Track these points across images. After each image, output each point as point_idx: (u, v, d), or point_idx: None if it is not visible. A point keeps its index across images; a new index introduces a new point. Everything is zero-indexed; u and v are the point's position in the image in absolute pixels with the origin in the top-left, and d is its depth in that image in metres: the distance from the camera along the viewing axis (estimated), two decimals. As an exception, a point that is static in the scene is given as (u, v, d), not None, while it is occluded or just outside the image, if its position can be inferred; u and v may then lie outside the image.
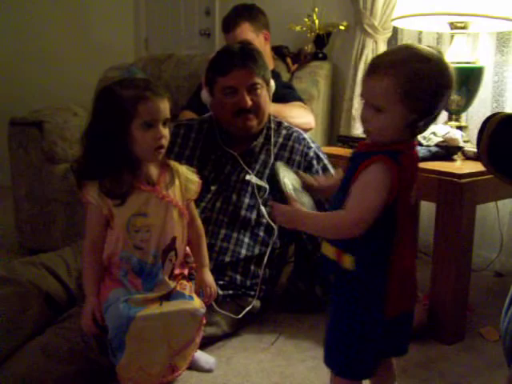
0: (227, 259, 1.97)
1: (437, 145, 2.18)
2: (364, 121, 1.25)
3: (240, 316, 1.95)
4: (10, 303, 1.67)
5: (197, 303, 1.60)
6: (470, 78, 2.39)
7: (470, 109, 2.59)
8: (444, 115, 2.60)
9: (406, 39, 2.96)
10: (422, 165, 2.07)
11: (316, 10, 3.22)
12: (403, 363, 1.84)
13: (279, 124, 2.21)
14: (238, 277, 1.99)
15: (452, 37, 2.48)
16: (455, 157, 2.20)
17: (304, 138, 2.18)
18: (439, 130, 2.23)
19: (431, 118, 1.23)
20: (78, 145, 2.68)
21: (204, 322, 1.64)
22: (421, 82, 1.18)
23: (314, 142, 2.23)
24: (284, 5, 3.49)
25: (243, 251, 2.00)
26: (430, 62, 1.19)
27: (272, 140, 2.14)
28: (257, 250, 2.02)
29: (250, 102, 1.99)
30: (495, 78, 2.65)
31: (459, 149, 2.20)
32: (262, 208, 2.03)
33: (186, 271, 1.69)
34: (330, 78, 3.12)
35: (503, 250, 2.63)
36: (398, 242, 1.25)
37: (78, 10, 4.69)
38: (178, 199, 1.59)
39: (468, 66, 2.39)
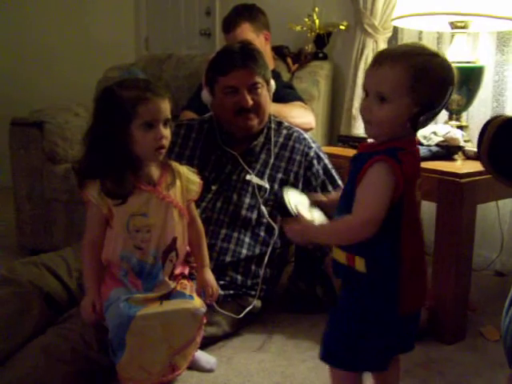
0: (228, 259, 1.97)
1: (437, 144, 2.18)
2: (366, 111, 1.25)
3: (241, 316, 1.95)
4: (11, 304, 1.67)
5: (197, 302, 1.60)
6: (471, 77, 2.39)
7: (471, 108, 2.59)
8: (444, 115, 2.60)
9: (406, 39, 2.96)
10: (423, 164, 2.05)
11: (316, 9, 3.22)
12: (404, 363, 1.83)
13: (280, 124, 2.21)
14: (239, 277, 1.99)
15: (452, 36, 2.48)
16: (456, 156, 2.20)
17: (304, 138, 2.18)
18: (440, 129, 2.23)
19: (433, 114, 1.23)
20: (79, 145, 2.70)
21: (204, 321, 1.64)
22: (429, 74, 1.19)
23: (315, 141, 2.23)
24: (284, 5, 3.49)
25: (244, 251, 2.00)
26: (438, 57, 1.22)
27: (272, 140, 2.14)
28: (257, 250, 2.02)
29: (250, 102, 2.00)
30: (496, 78, 2.65)
31: (460, 148, 2.20)
32: (263, 208, 2.03)
33: (186, 270, 1.69)
34: (331, 78, 3.12)
35: (504, 250, 2.63)
36: (406, 240, 1.25)
37: (79, 9, 4.69)
38: (178, 200, 1.59)
39: (468, 66, 2.39)
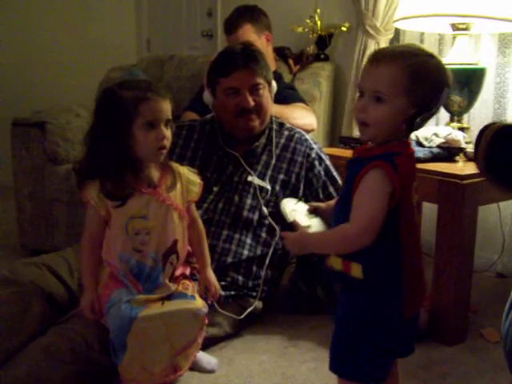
0: (229, 260, 1.97)
1: (439, 146, 2.18)
2: (361, 111, 1.22)
3: (242, 317, 1.95)
4: (12, 304, 1.67)
5: (199, 303, 1.60)
6: (472, 79, 2.39)
7: (472, 110, 2.59)
8: (446, 116, 2.60)
9: (407, 40, 2.96)
10: (424, 166, 2.08)
11: (318, 11, 3.23)
12: (405, 365, 1.84)
13: (281, 125, 2.21)
14: (240, 278, 1.99)
15: (454, 38, 2.49)
16: (457, 158, 2.20)
17: (306, 139, 2.18)
18: (441, 131, 2.23)
19: (428, 115, 1.23)
20: (81, 146, 2.70)
21: (206, 321, 1.64)
22: (426, 74, 1.19)
23: (316, 142, 2.23)
24: (286, 6, 3.49)
25: (245, 252, 2.00)
26: (434, 58, 1.22)
27: (274, 141, 2.14)
28: (259, 251, 2.02)
29: (252, 102, 2.00)
30: (497, 80, 2.65)
31: (461, 150, 2.21)
32: (264, 209, 2.03)
33: (187, 271, 1.69)
34: (332, 79, 3.12)
35: (505, 251, 2.63)
36: (405, 244, 1.24)
37: (80, 10, 4.70)
38: (178, 201, 1.58)
39: (470, 68, 2.39)
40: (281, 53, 3.16)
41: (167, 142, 1.52)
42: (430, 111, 1.22)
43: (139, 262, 1.53)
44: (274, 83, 2.12)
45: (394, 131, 1.22)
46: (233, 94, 2.01)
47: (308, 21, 3.24)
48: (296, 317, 2.15)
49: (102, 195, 1.49)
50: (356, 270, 1.23)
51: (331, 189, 2.12)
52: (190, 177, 1.64)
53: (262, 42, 2.71)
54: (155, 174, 1.56)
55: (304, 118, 2.49)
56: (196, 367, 1.74)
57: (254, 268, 2.02)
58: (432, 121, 2.85)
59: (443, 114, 2.73)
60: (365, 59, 2.94)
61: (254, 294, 2.01)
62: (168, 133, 1.51)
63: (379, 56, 1.21)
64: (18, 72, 4.46)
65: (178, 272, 1.63)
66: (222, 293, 1.90)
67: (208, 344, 1.83)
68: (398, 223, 1.22)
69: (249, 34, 2.70)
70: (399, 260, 1.24)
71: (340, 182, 2.14)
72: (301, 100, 2.64)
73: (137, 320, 1.47)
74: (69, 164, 2.78)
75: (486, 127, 1.31)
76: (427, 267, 2.00)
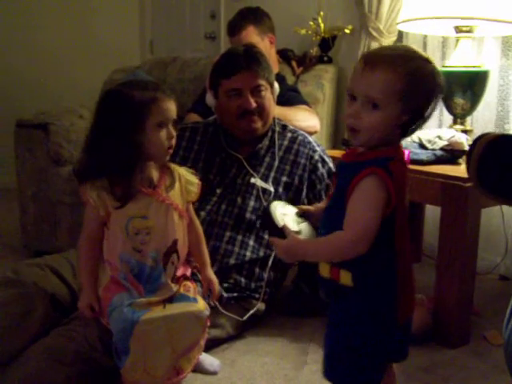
0: (232, 262, 1.97)
1: (442, 148, 2.18)
2: (352, 117, 1.19)
3: (245, 318, 1.95)
4: (16, 305, 1.67)
5: (201, 305, 1.60)
6: (475, 81, 2.39)
7: (475, 113, 2.58)
8: (449, 119, 2.60)
9: (411, 43, 2.96)
10: (427, 168, 2.08)
11: (321, 13, 3.23)
12: (407, 367, 1.84)
13: (284, 127, 2.21)
14: (243, 279, 1.99)
15: (457, 41, 2.48)
16: (460, 160, 2.20)
17: (309, 142, 2.18)
18: (444, 133, 2.23)
19: (421, 122, 1.21)
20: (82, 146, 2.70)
21: (208, 324, 1.64)
22: (422, 81, 1.17)
23: (319, 145, 2.23)
24: (289, 8, 3.50)
25: (248, 254, 2.00)
26: (429, 63, 1.19)
27: (277, 143, 2.15)
28: (261, 253, 2.02)
29: (254, 104, 2.00)
30: (500, 82, 2.65)
31: (464, 152, 2.20)
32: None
33: (188, 272, 1.69)
34: (335, 82, 3.12)
35: (508, 254, 2.63)
36: (398, 251, 1.23)
37: (84, 13, 4.72)
38: (178, 201, 1.58)
39: (473, 70, 2.39)
40: (284, 55, 3.17)
41: (174, 142, 1.54)
42: (424, 117, 1.20)
43: (139, 262, 1.52)
44: (276, 85, 2.12)
45: (386, 137, 1.20)
46: (235, 96, 2.01)
47: (311, 23, 3.25)
48: (299, 318, 2.15)
49: (102, 195, 1.48)
50: (345, 278, 1.22)
51: (334, 191, 2.11)
52: (188, 177, 1.64)
53: (265, 44, 2.72)
54: (155, 174, 1.56)
55: (307, 120, 2.49)
56: (198, 369, 1.74)
57: (257, 270, 2.02)
58: (435, 123, 2.88)
59: (446, 117, 2.73)
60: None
61: (257, 295, 2.02)
62: (174, 133, 1.54)
63: (374, 60, 1.17)
64: (21, 74, 4.46)
65: (179, 272, 1.63)
66: (225, 294, 1.91)
67: (210, 346, 1.83)
68: (392, 230, 1.21)
69: (252, 36, 2.70)
70: (392, 267, 1.23)
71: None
72: (304, 102, 2.64)
73: (139, 323, 1.47)
74: (72, 165, 2.78)
75: (481, 137, 1.31)
76: (430, 269, 2.00)
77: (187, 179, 1.63)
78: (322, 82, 3.01)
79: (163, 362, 1.52)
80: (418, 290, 2.18)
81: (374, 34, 2.94)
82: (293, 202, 2.05)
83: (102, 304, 1.56)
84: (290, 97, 2.57)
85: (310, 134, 2.33)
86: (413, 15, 2.42)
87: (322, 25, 3.22)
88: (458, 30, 2.45)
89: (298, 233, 1.33)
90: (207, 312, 1.60)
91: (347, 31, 3.18)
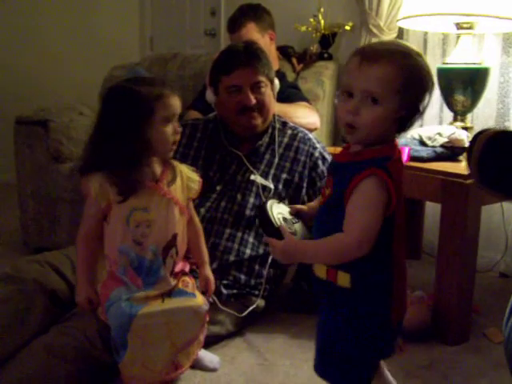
0: (232, 258, 1.97)
1: (442, 145, 2.18)
2: (350, 114, 1.17)
3: (243, 314, 1.95)
4: (15, 302, 1.67)
5: (199, 300, 1.61)
6: (476, 78, 2.39)
7: (476, 110, 2.58)
8: (449, 116, 2.59)
9: (411, 40, 2.96)
10: (428, 165, 2.08)
11: (321, 10, 3.22)
12: (407, 364, 1.84)
13: (284, 124, 2.21)
14: (243, 276, 1.99)
15: (458, 37, 2.48)
16: (460, 157, 2.20)
17: (309, 139, 2.18)
18: (444, 130, 2.23)
19: (418, 116, 1.21)
20: (84, 143, 2.70)
21: (207, 319, 1.64)
22: (417, 74, 1.17)
23: (320, 142, 2.23)
24: (289, 5, 3.49)
25: (248, 251, 2.00)
26: (422, 58, 1.20)
27: (277, 140, 2.14)
28: (261, 250, 2.02)
29: (253, 100, 2.00)
30: (501, 79, 2.64)
31: (464, 149, 2.20)
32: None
33: (187, 268, 1.69)
34: (336, 79, 3.11)
35: (508, 251, 2.63)
36: (396, 251, 1.22)
37: (84, 9, 4.70)
38: (179, 197, 1.60)
39: (474, 67, 2.39)
40: (284, 52, 3.16)
41: (179, 137, 1.57)
42: (418, 112, 1.20)
43: (139, 256, 1.53)
44: (276, 81, 2.12)
45: (384, 133, 1.20)
46: (235, 92, 2.01)
47: (312, 20, 3.24)
48: (298, 315, 2.15)
49: (104, 186, 1.49)
50: (343, 280, 1.21)
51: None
52: (189, 174, 1.66)
53: (265, 41, 2.71)
54: (157, 168, 1.58)
55: (307, 117, 2.49)
56: (198, 365, 1.74)
57: (257, 267, 2.02)
58: (435, 120, 2.88)
59: (447, 114, 2.73)
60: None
61: (257, 292, 2.01)
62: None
63: (371, 55, 1.16)
64: (20, 70, 4.46)
65: (178, 268, 1.63)
66: (224, 291, 1.91)
67: (210, 342, 1.83)
68: (391, 231, 1.20)
69: (252, 32, 2.70)
70: (389, 268, 1.22)
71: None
72: (304, 99, 2.64)
73: (136, 318, 1.47)
74: (72, 162, 2.79)
75: (480, 133, 1.30)
76: (430, 266, 2.00)
77: (188, 176, 1.65)
78: (322, 79, 3.01)
79: (162, 357, 1.52)
80: (418, 288, 2.20)
81: (375, 30, 2.93)
82: (293, 199, 2.07)
83: (100, 300, 1.57)
84: (290, 94, 2.56)
85: (310, 130, 2.33)
86: (413, 12, 2.41)
87: (322, 21, 3.22)
88: (458, 26, 2.45)
89: (293, 233, 1.32)
90: (206, 307, 1.61)
91: (347, 28, 3.18)
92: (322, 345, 1.30)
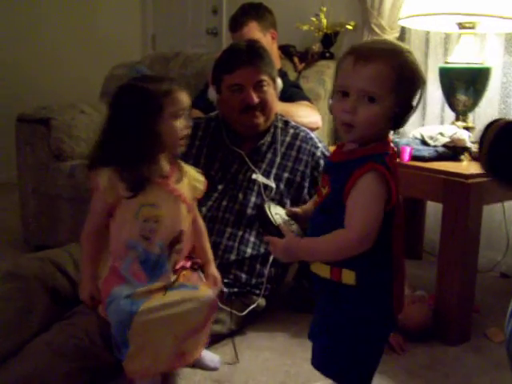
0: (233, 257, 1.97)
1: (444, 145, 2.18)
2: (349, 113, 1.18)
3: (244, 313, 1.95)
4: (17, 300, 1.67)
5: (203, 290, 1.60)
6: (478, 78, 2.39)
7: (478, 109, 2.58)
8: (451, 115, 2.59)
9: (413, 39, 2.96)
10: (429, 165, 2.08)
11: (323, 9, 3.22)
12: (409, 364, 1.85)
13: (286, 123, 2.21)
14: (243, 275, 1.99)
15: (460, 37, 2.48)
16: (462, 157, 2.20)
17: (311, 138, 2.18)
18: (446, 130, 2.23)
19: (410, 114, 1.22)
20: (85, 142, 2.71)
21: (215, 309, 1.63)
22: (410, 71, 1.19)
23: (321, 141, 2.23)
24: (291, 4, 3.49)
25: (249, 250, 2.00)
26: (412, 55, 1.22)
27: (279, 139, 2.14)
28: (262, 249, 2.02)
29: (256, 99, 2.00)
30: (503, 79, 2.64)
31: (466, 149, 2.20)
32: (272, 205, 2.02)
33: (188, 264, 1.69)
34: (337, 78, 3.11)
35: (509, 251, 2.63)
36: (395, 246, 1.23)
37: (85, 7, 4.71)
38: (186, 195, 1.62)
39: (475, 67, 2.39)
40: (286, 51, 3.16)
41: (188, 132, 1.61)
42: (412, 109, 1.22)
43: (146, 251, 1.54)
44: (279, 81, 2.12)
45: (379, 131, 1.21)
46: (237, 91, 2.01)
47: (313, 19, 3.24)
48: (299, 314, 2.14)
49: (113, 181, 1.50)
50: (348, 277, 1.22)
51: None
52: (195, 175, 1.68)
53: (267, 40, 2.71)
54: (166, 166, 1.59)
55: (309, 116, 2.48)
56: (199, 365, 1.74)
57: (258, 266, 2.02)
58: (437, 120, 2.87)
59: (448, 114, 2.73)
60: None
61: (258, 291, 2.01)
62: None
63: (365, 54, 1.18)
64: (22, 68, 4.46)
65: (179, 265, 1.64)
66: (225, 290, 1.91)
67: (211, 341, 1.83)
68: (390, 226, 1.21)
69: (254, 31, 2.69)
70: (390, 263, 1.23)
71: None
72: (306, 98, 2.63)
73: (137, 315, 1.47)
74: (73, 160, 2.79)
75: (492, 123, 1.31)
76: (431, 266, 2.00)
77: (194, 176, 1.67)
78: (323, 78, 3.00)
79: (165, 349, 1.52)
80: (419, 287, 2.20)
81: (377, 30, 2.93)
82: (294, 198, 2.07)
83: (101, 296, 1.57)
84: (291, 93, 2.56)
85: (312, 130, 2.33)
86: (415, 11, 2.41)
87: (324, 21, 3.21)
88: (460, 26, 2.45)
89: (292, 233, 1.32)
90: (210, 295, 1.59)
91: (349, 27, 3.18)
92: (326, 342, 1.30)
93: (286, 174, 2.10)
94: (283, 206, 2.00)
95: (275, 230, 1.29)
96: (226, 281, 1.92)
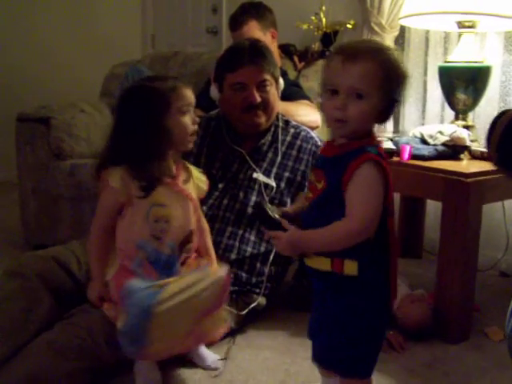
0: (233, 256, 1.97)
1: (443, 144, 2.18)
2: (340, 109, 1.21)
3: (244, 312, 1.95)
4: (19, 299, 1.67)
5: (213, 270, 1.63)
6: (477, 77, 2.39)
7: (477, 108, 2.58)
8: (451, 114, 2.59)
9: (413, 38, 2.96)
10: (429, 164, 2.08)
11: (323, 8, 3.22)
12: (408, 362, 1.85)
13: (287, 122, 2.21)
14: (244, 274, 1.99)
15: (459, 36, 2.48)
16: (462, 156, 2.20)
17: (312, 137, 2.18)
18: (446, 129, 2.22)
19: (395, 108, 1.25)
20: (85, 141, 2.71)
21: (227, 287, 1.64)
22: (395, 67, 1.22)
23: (322, 140, 2.22)
24: (291, 3, 3.49)
25: (249, 249, 2.00)
26: (395, 53, 1.25)
27: (280, 138, 2.14)
28: (262, 248, 2.02)
29: (258, 98, 2.00)
30: (503, 78, 2.64)
31: (466, 148, 2.20)
32: (269, 206, 2.03)
33: (193, 256, 1.70)
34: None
35: (509, 250, 2.63)
36: (391, 233, 1.25)
37: (85, 6, 4.70)
38: (193, 195, 1.65)
39: (475, 66, 2.39)
40: (286, 50, 3.16)
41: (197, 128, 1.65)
42: (398, 103, 1.25)
43: (157, 251, 1.56)
44: (281, 80, 2.12)
45: (370, 125, 1.25)
46: (240, 90, 2.01)
47: (313, 18, 3.24)
48: (299, 313, 2.14)
49: (126, 181, 1.52)
50: (350, 268, 1.23)
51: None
52: (198, 175, 1.71)
53: (267, 39, 2.70)
54: (173, 166, 1.61)
55: (309, 115, 2.48)
56: (199, 364, 1.76)
57: (258, 265, 2.02)
58: (437, 119, 2.87)
59: (448, 112, 2.73)
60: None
61: (258, 290, 2.02)
62: None
63: (352, 53, 1.21)
64: (22, 68, 4.46)
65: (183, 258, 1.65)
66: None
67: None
68: (385, 215, 1.23)
69: (254, 30, 2.69)
70: (387, 251, 1.25)
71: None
72: (305, 97, 2.63)
73: (159, 303, 1.47)
74: (73, 160, 2.79)
75: (502, 113, 1.31)
76: (430, 265, 2.00)
77: (198, 177, 1.71)
78: (323, 77, 3.00)
79: (182, 331, 1.54)
80: (419, 286, 2.20)
81: (376, 29, 2.93)
82: (295, 197, 2.07)
83: (113, 291, 1.57)
84: (291, 92, 2.56)
85: (312, 128, 2.33)
86: (415, 10, 2.41)
87: (323, 19, 3.22)
88: (460, 25, 2.45)
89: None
90: (223, 271, 1.62)
91: (349, 26, 3.18)
92: (328, 336, 1.31)
93: (286, 174, 2.10)
94: (284, 205, 2.01)
95: (277, 225, 1.30)
96: (226, 280, 1.93)
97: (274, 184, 2.06)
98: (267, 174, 2.09)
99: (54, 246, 1.99)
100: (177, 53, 3.47)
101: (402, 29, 2.97)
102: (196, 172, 1.71)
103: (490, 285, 2.54)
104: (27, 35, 4.48)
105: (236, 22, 2.74)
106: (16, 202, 3.04)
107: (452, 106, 2.50)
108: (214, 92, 2.11)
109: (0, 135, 3.99)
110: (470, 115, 2.53)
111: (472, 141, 2.26)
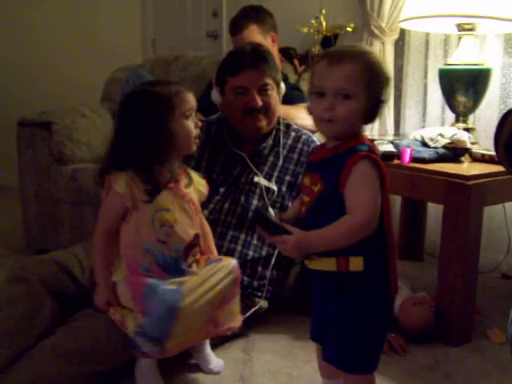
0: (235, 260, 1.98)
1: (444, 146, 2.18)
2: (329, 110, 1.24)
3: (246, 315, 1.95)
4: (22, 304, 1.66)
5: (225, 261, 1.69)
6: (478, 79, 2.39)
7: (478, 111, 2.59)
8: (451, 117, 2.60)
9: (413, 41, 2.96)
10: (430, 166, 2.08)
11: (323, 11, 3.23)
12: (410, 365, 1.85)
13: (288, 126, 2.21)
14: (246, 278, 1.99)
15: (459, 38, 2.48)
16: (462, 158, 2.20)
17: (313, 141, 2.18)
18: (446, 131, 2.23)
19: (381, 108, 1.27)
20: (86, 146, 2.72)
21: (239, 276, 1.71)
22: (378, 69, 1.26)
23: (322, 143, 2.23)
24: (291, 6, 3.50)
25: (250, 252, 2.00)
26: (377, 56, 1.30)
27: (281, 142, 2.15)
28: (264, 252, 2.03)
29: (260, 102, 2.00)
30: (503, 80, 2.65)
31: (466, 150, 2.20)
32: (270, 210, 2.03)
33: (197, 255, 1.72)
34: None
35: (510, 252, 2.63)
36: (388, 228, 1.27)
37: (86, 11, 4.70)
38: (195, 199, 1.67)
39: (475, 68, 2.39)
40: (286, 53, 3.16)
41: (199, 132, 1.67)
42: (381, 104, 1.27)
43: (164, 254, 1.58)
44: (282, 85, 2.12)
45: (357, 125, 1.27)
46: (241, 94, 2.01)
47: (313, 21, 3.25)
48: (301, 316, 2.15)
49: (130, 186, 1.53)
50: (356, 264, 1.25)
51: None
52: (198, 179, 1.73)
53: (267, 43, 2.71)
54: (176, 170, 1.63)
55: (309, 119, 2.43)
56: (202, 368, 1.76)
57: (260, 268, 2.02)
58: (437, 121, 2.87)
59: (448, 115, 2.73)
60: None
61: (260, 293, 2.02)
62: None
63: (337, 56, 1.24)
64: (23, 72, 4.46)
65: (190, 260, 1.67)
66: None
67: (214, 343, 1.84)
68: (382, 209, 1.25)
69: (254, 34, 2.70)
70: (386, 246, 1.27)
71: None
72: (306, 101, 2.63)
73: (183, 298, 1.52)
74: (74, 164, 2.79)
75: (509, 112, 1.32)
76: (432, 267, 2.00)
77: (198, 181, 1.72)
78: (323, 81, 3.01)
79: (200, 322, 1.58)
80: (420, 288, 2.20)
81: (376, 32, 2.94)
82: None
83: (126, 292, 1.59)
84: (292, 95, 2.56)
85: (313, 132, 2.33)
86: (415, 13, 2.42)
87: (324, 23, 3.22)
88: (460, 27, 2.45)
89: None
90: (233, 262, 1.69)
91: (349, 29, 3.18)
92: (339, 337, 1.31)
93: (287, 177, 2.10)
94: (286, 209, 2.01)
95: (280, 230, 1.30)
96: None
97: (275, 188, 2.07)
98: (268, 177, 2.09)
99: (56, 250, 1.99)
100: (178, 57, 3.48)
101: (402, 32, 2.97)
102: (195, 176, 1.72)
103: (491, 287, 2.54)
104: (28, 39, 4.48)
105: (236, 26, 2.75)
106: (17, 206, 3.04)
107: (452, 108, 2.50)
108: (215, 96, 2.12)
109: (1, 140, 4.00)
110: (471, 118, 2.54)
111: (473, 143, 2.26)
